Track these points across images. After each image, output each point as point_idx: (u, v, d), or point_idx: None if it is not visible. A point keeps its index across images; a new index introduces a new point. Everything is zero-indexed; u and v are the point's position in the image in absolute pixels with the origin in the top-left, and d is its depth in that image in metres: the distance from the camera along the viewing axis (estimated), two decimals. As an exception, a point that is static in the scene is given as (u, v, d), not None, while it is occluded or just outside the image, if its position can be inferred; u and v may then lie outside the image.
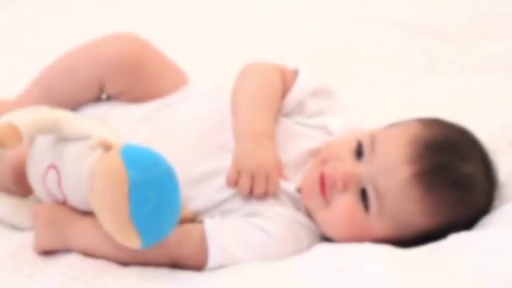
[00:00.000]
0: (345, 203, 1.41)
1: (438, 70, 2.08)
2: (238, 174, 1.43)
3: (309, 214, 1.46)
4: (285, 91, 1.55)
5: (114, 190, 1.29)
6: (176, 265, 1.41)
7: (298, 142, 1.50)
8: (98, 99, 1.65)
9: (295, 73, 1.58)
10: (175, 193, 1.34)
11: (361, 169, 1.41)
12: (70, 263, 1.37)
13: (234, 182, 1.43)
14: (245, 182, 1.43)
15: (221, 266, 1.41)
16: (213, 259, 1.41)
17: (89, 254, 1.40)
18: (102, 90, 1.63)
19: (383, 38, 2.20)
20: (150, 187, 1.31)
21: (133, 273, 1.38)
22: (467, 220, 1.41)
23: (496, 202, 1.47)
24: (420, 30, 2.21)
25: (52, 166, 1.41)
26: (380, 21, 2.27)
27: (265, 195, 1.44)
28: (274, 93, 1.54)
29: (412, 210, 1.38)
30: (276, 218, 1.43)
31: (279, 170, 1.46)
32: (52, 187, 1.41)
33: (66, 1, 2.51)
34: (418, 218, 1.39)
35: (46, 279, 1.33)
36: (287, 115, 1.56)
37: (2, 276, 1.34)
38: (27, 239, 1.45)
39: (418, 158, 1.38)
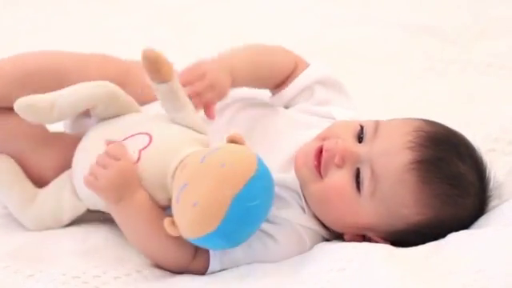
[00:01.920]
0: (338, 179, 1.41)
1: (438, 70, 2.08)
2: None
3: (302, 190, 1.46)
4: (290, 76, 1.58)
5: (237, 167, 1.32)
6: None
7: (304, 132, 1.51)
8: None
9: (307, 65, 1.61)
10: (264, 217, 1.37)
11: (361, 149, 1.41)
12: (70, 263, 1.37)
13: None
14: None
15: (222, 269, 1.42)
16: (214, 262, 1.41)
17: (124, 225, 1.40)
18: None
19: (383, 38, 2.21)
20: (263, 192, 1.34)
21: (134, 273, 1.38)
22: (456, 221, 1.40)
23: (495, 202, 1.47)
24: (420, 30, 2.21)
25: (146, 134, 1.43)
26: (380, 21, 2.28)
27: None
28: (269, 56, 1.59)
29: (404, 197, 1.38)
30: (281, 223, 1.43)
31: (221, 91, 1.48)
32: (133, 146, 1.42)
33: (66, 1, 2.52)
34: (409, 207, 1.38)
35: (47, 279, 1.33)
36: (294, 102, 1.57)
37: (3, 275, 1.34)
38: (28, 239, 1.45)
39: (419, 146, 1.39)
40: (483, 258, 1.24)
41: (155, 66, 1.40)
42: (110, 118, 1.50)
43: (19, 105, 1.41)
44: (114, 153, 1.39)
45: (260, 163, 1.34)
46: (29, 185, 1.54)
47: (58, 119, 1.46)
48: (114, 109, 1.49)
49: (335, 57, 2.14)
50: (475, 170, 1.43)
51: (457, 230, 1.37)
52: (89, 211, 1.53)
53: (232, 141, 1.38)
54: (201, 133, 1.45)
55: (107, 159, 1.39)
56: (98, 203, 1.46)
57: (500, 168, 1.50)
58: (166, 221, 1.35)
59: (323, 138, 1.45)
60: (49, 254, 1.41)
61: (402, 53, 2.14)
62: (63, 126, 1.69)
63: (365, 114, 1.60)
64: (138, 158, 1.41)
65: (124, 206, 1.39)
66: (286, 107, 1.60)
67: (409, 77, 2.07)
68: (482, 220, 1.43)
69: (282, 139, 1.49)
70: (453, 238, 1.34)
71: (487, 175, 1.46)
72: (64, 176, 1.52)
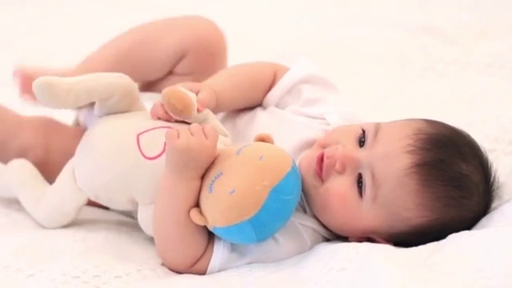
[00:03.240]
0: (339, 185, 1.41)
1: (438, 70, 2.08)
2: None
3: (305, 196, 1.46)
4: (272, 84, 1.58)
5: (275, 161, 1.36)
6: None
7: (295, 130, 1.51)
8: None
9: (287, 70, 1.60)
10: (291, 214, 1.39)
11: (361, 154, 1.41)
12: (70, 263, 1.37)
13: None
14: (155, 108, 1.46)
15: (221, 269, 1.42)
16: (214, 261, 1.41)
17: (163, 198, 1.39)
18: (175, 66, 1.65)
19: (383, 38, 2.21)
20: (297, 188, 1.38)
21: (134, 273, 1.38)
22: (460, 222, 1.40)
23: (496, 202, 1.47)
24: (420, 30, 2.21)
25: (168, 127, 1.44)
26: (380, 21, 2.28)
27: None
28: (250, 76, 1.58)
29: (406, 201, 1.38)
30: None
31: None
32: (158, 138, 1.43)
33: (66, 1, 2.52)
34: (411, 210, 1.38)
35: (47, 278, 1.33)
36: (283, 105, 1.57)
37: (4, 275, 1.34)
38: (28, 239, 1.45)
39: (419, 149, 1.38)
40: (483, 258, 1.24)
41: (179, 112, 1.42)
42: (116, 112, 1.50)
43: (38, 83, 1.40)
44: (207, 131, 1.38)
45: (293, 160, 1.38)
46: (41, 183, 1.56)
47: (73, 104, 1.45)
48: (125, 103, 1.49)
49: (335, 57, 2.14)
50: (480, 171, 1.42)
51: (460, 227, 1.37)
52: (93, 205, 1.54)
53: (261, 139, 1.42)
54: (222, 134, 1.47)
55: (200, 131, 1.38)
56: (99, 194, 1.47)
57: (500, 168, 1.50)
58: (192, 211, 1.37)
59: (323, 145, 1.45)
60: (49, 254, 1.41)
61: (402, 53, 2.14)
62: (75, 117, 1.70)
63: (365, 114, 1.60)
64: (163, 151, 1.42)
65: (178, 181, 1.37)
66: None
67: (409, 77, 2.07)
68: (483, 221, 1.43)
69: (280, 137, 1.50)
70: (453, 238, 1.34)
71: (492, 175, 1.46)
72: (66, 168, 1.52)
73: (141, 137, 1.45)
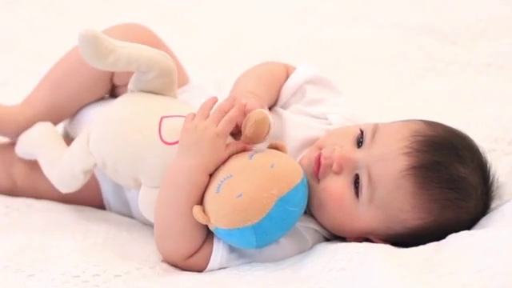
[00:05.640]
0: (336, 185, 1.41)
1: (438, 70, 2.08)
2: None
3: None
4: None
5: (286, 171, 1.36)
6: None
7: (296, 129, 1.51)
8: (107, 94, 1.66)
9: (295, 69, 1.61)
10: (292, 227, 1.40)
11: (358, 155, 1.41)
12: (70, 262, 1.37)
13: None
14: (226, 103, 1.42)
15: (221, 267, 1.42)
16: (214, 260, 1.41)
17: (169, 181, 1.40)
18: (111, 82, 1.64)
19: (383, 38, 2.21)
20: (303, 201, 1.38)
21: (134, 271, 1.38)
22: (457, 224, 1.40)
23: (496, 202, 1.47)
24: (420, 30, 2.21)
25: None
26: (380, 21, 2.28)
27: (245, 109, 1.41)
28: (274, 77, 1.58)
29: (402, 203, 1.38)
30: None
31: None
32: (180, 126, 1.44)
33: (66, 1, 2.52)
34: (407, 212, 1.38)
35: (47, 278, 1.33)
36: (287, 105, 1.58)
37: (4, 275, 1.34)
38: (28, 239, 1.45)
39: (416, 151, 1.38)
40: (483, 258, 1.24)
41: (258, 140, 1.41)
42: (150, 91, 1.51)
43: (85, 33, 1.40)
44: (222, 122, 1.39)
45: (303, 173, 1.38)
46: (60, 146, 1.56)
47: (111, 66, 1.45)
48: (161, 83, 1.50)
49: (335, 57, 2.14)
50: (478, 173, 1.42)
51: (458, 229, 1.37)
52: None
53: (275, 147, 1.42)
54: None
55: (214, 120, 1.39)
56: (107, 161, 1.47)
57: (500, 168, 1.50)
58: (196, 208, 1.37)
59: (321, 146, 1.45)
60: (49, 254, 1.41)
61: (402, 53, 2.15)
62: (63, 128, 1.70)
63: (364, 115, 1.60)
64: None
65: (184, 170, 1.38)
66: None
67: (409, 77, 2.07)
68: (483, 221, 1.43)
69: (282, 136, 1.50)
70: (453, 238, 1.34)
71: (491, 177, 1.46)
72: (83, 131, 1.53)
73: (164, 120, 1.46)
